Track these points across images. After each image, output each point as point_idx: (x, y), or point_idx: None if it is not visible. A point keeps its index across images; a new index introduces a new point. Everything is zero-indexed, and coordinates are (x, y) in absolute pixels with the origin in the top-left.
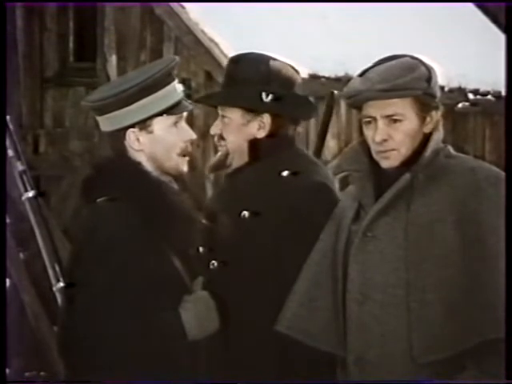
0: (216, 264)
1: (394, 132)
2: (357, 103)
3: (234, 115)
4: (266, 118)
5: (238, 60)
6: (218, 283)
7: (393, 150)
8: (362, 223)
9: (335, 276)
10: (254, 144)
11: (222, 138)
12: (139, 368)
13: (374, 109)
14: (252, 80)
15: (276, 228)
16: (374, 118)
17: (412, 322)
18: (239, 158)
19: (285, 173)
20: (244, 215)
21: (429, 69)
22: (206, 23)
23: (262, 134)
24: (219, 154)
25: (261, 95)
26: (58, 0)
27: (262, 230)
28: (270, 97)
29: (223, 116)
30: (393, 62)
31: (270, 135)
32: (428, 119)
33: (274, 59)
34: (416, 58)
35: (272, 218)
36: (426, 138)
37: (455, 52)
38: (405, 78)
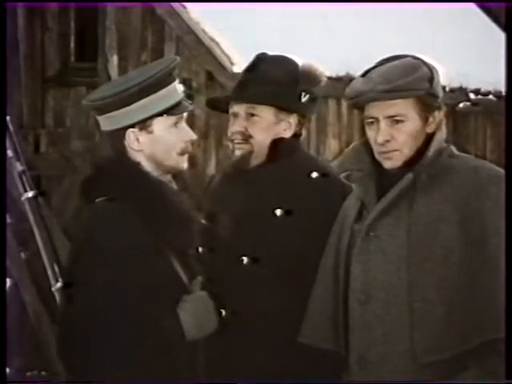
0: (246, 260)
1: (396, 133)
2: (359, 104)
3: (267, 113)
4: (293, 119)
5: (265, 59)
6: (247, 280)
7: (395, 150)
8: (364, 223)
9: (337, 275)
10: (276, 143)
11: (248, 136)
12: (138, 368)
13: (376, 109)
14: (285, 79)
15: (314, 228)
16: (377, 119)
17: (414, 322)
18: (260, 157)
19: (314, 174)
20: (276, 213)
21: (431, 69)
22: (207, 23)
23: (288, 134)
24: (241, 151)
25: (300, 95)
26: (59, 0)
27: (296, 230)
28: (306, 97)
29: (252, 114)
30: (395, 63)
31: (293, 135)
32: (430, 119)
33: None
34: (418, 58)
35: (308, 219)
36: (429, 137)
37: (456, 52)
38: (407, 79)
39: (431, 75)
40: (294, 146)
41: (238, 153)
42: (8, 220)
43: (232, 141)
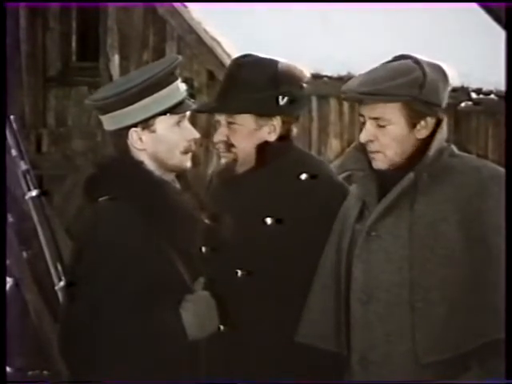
0: (241, 273)
1: (380, 134)
2: (348, 101)
3: (246, 121)
4: (277, 121)
5: (243, 64)
6: (243, 292)
7: (378, 151)
8: (365, 222)
9: (338, 275)
10: (263, 148)
11: (230, 145)
12: (139, 368)
13: (363, 109)
14: (264, 84)
15: (308, 233)
16: (364, 118)
17: (416, 322)
18: (247, 163)
19: (303, 176)
20: (267, 222)
21: (425, 74)
22: (208, 22)
23: (273, 138)
24: (226, 160)
25: (277, 99)
26: (60, 0)
27: (288, 238)
28: (285, 100)
29: (231, 122)
30: (392, 64)
31: (279, 138)
32: (420, 125)
33: (279, 61)
34: (418, 62)
35: (299, 225)
36: (428, 139)
37: (458, 51)
38: (390, 83)
39: (422, 81)
40: (282, 148)
41: (222, 161)
42: (10, 219)
43: (217, 149)
